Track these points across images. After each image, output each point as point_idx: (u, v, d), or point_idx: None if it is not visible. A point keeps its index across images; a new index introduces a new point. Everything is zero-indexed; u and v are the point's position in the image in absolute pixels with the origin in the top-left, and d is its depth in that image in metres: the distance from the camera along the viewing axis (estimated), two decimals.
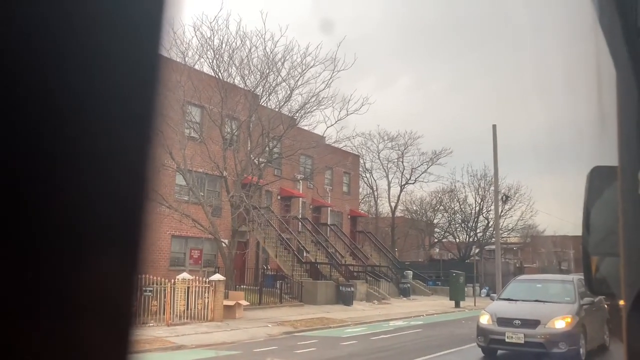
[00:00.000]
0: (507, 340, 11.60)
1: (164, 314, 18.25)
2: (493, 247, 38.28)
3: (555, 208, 64.25)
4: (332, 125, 39.81)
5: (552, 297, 12.54)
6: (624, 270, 0.90)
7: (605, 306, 13.30)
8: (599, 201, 0.97)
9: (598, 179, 1.02)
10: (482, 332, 12.32)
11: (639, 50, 0.99)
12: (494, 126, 29.87)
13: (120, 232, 0.46)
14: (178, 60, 22.88)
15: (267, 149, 24.59)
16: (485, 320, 12.34)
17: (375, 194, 48.05)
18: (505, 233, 43.82)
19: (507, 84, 58.07)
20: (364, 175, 46.28)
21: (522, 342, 11.45)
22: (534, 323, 11.50)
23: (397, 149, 47.27)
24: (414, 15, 67.63)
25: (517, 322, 11.62)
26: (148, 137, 0.48)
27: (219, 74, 23.11)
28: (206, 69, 23.58)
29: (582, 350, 11.45)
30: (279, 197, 31.41)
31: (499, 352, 12.56)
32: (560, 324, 11.35)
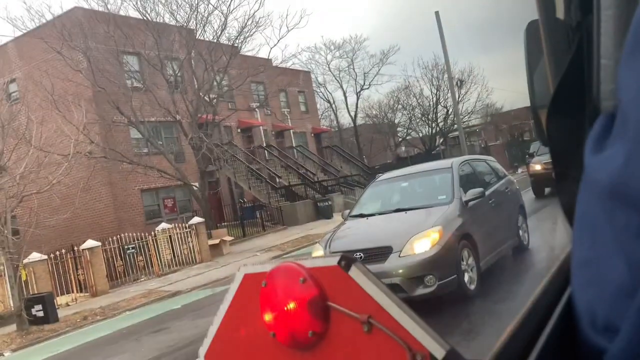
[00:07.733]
0: None
1: (152, 266, 18.37)
2: (457, 133, 38.97)
3: (509, 82, 65.25)
4: (275, 45, 39.02)
5: (420, 200, 8.11)
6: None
7: (517, 187, 9.83)
8: (540, 54, 0.98)
9: (535, 32, 0.99)
10: None
11: None
12: (437, 13, 29.45)
13: None
14: (100, 9, 21.67)
15: (214, 83, 23.92)
16: None
17: (334, 106, 47.85)
18: (466, 117, 44.47)
19: None
20: (319, 90, 45.81)
21: None
22: (383, 253, 6.88)
23: (345, 56, 46.69)
24: None
25: (358, 255, 6.66)
26: None
27: (147, 15, 22.00)
28: (132, 13, 22.39)
29: (468, 276, 7.10)
30: (239, 130, 31.00)
31: None
32: (422, 245, 6.81)
